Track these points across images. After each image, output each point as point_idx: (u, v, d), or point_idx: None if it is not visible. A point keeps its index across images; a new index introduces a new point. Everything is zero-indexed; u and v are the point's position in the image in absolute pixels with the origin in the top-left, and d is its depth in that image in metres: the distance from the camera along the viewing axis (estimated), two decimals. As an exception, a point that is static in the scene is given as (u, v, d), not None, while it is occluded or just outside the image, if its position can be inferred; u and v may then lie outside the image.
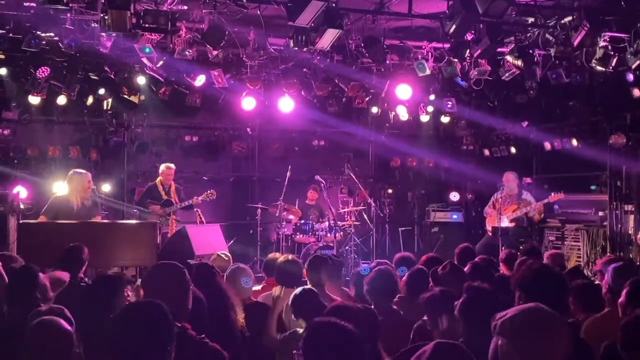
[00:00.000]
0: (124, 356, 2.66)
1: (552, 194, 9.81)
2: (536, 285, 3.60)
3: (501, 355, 2.64)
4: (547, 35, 8.16)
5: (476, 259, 5.70)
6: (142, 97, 10.63)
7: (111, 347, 2.68)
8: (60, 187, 9.33)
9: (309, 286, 4.75)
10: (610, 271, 4.41)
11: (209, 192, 9.89)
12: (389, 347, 3.72)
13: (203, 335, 3.32)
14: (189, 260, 5.46)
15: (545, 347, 2.59)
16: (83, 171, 8.16)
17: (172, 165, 9.96)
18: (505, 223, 9.66)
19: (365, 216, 11.78)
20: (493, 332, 2.72)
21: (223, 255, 6.33)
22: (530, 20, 7.99)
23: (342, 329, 2.80)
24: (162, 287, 3.40)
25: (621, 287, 4.02)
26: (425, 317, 4.22)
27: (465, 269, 5.39)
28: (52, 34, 7.35)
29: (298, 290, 4.47)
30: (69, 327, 3.32)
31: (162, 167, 9.93)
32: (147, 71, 9.55)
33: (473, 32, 7.86)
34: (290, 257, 5.71)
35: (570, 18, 7.72)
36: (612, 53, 8.15)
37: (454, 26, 7.05)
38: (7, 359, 3.53)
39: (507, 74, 9.15)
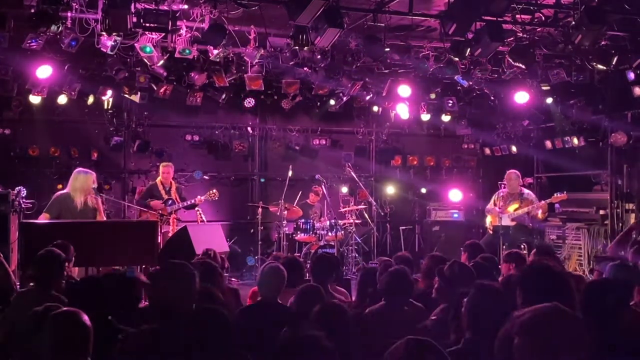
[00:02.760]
0: None
1: (556, 194, 9.80)
2: (536, 284, 3.59)
3: (516, 354, 2.64)
4: (548, 34, 8.16)
5: (477, 258, 5.69)
6: (143, 97, 10.63)
7: None
8: (61, 187, 9.34)
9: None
10: (608, 269, 4.34)
11: (211, 192, 9.88)
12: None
13: None
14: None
15: (560, 347, 2.60)
16: (89, 171, 8.19)
17: (170, 164, 9.97)
18: (506, 222, 9.65)
19: (366, 215, 11.79)
20: (511, 330, 2.72)
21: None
22: (531, 18, 7.99)
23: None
24: (170, 286, 3.45)
25: None
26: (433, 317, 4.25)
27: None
28: (52, 33, 7.33)
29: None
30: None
31: (164, 167, 9.91)
32: (148, 70, 9.54)
33: (473, 31, 7.85)
34: (291, 256, 5.73)
35: (571, 17, 7.71)
36: (613, 52, 8.15)
37: (454, 25, 7.05)
38: None
39: (507, 73, 9.15)
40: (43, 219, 7.75)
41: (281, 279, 4.76)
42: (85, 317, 3.18)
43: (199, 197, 9.72)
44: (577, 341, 2.64)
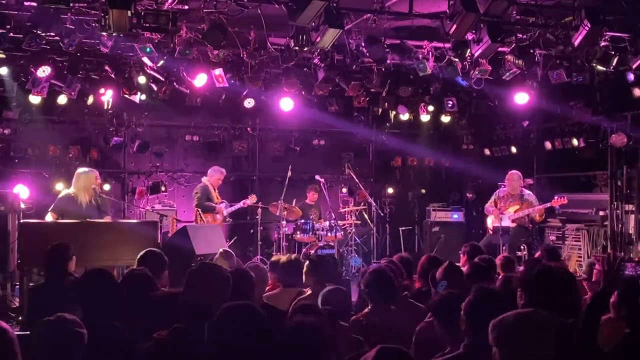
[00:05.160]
0: None
1: (556, 197, 9.78)
2: (537, 285, 3.59)
3: None
4: (548, 35, 8.16)
5: (475, 260, 5.70)
6: (143, 97, 10.64)
7: None
8: (61, 187, 9.34)
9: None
10: None
11: (252, 195, 10.72)
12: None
13: None
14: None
15: (529, 353, 2.62)
16: (90, 169, 8.17)
17: (224, 170, 10.42)
18: (506, 222, 9.65)
19: (365, 216, 11.78)
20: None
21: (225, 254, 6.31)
22: (531, 19, 7.99)
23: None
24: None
25: None
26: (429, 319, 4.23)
27: (465, 269, 5.41)
28: (52, 34, 7.33)
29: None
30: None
31: (216, 172, 10.24)
32: (148, 71, 9.54)
33: (474, 31, 7.85)
34: (293, 257, 5.70)
35: (571, 17, 7.72)
36: (613, 53, 8.15)
37: (454, 26, 7.05)
38: None
39: (507, 74, 9.15)
40: (50, 218, 7.72)
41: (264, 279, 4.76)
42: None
43: (244, 200, 10.55)
44: (544, 347, 2.68)
